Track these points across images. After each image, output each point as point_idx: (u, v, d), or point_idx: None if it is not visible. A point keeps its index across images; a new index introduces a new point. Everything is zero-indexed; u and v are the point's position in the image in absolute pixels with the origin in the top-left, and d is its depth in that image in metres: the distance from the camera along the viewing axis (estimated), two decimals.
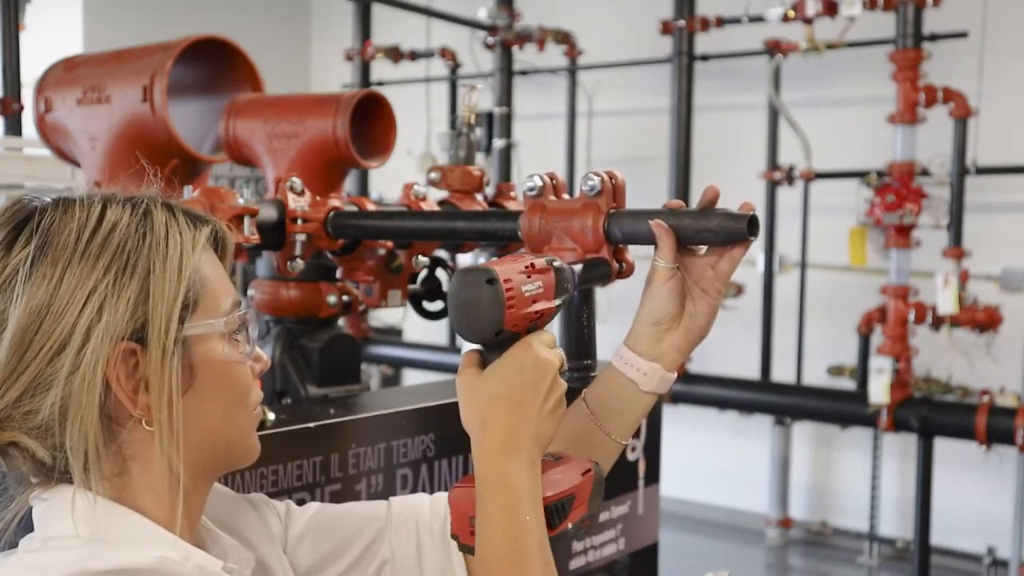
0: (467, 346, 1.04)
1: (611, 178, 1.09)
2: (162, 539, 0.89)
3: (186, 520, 0.93)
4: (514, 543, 0.96)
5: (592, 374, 1.12)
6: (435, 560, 1.13)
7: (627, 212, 1.09)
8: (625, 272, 1.11)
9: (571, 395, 1.84)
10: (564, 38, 5.86)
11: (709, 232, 1.03)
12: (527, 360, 0.99)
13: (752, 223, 1.02)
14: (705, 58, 5.41)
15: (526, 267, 0.98)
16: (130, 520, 0.89)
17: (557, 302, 1.01)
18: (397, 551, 1.12)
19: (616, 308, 5.75)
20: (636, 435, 2.00)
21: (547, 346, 1.01)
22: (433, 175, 1.70)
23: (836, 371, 5.28)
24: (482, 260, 5.27)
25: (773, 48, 5.15)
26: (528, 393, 0.99)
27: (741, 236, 1.02)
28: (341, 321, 1.87)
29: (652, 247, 1.09)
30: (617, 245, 1.10)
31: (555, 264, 1.01)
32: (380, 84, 6.32)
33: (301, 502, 1.25)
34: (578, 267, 1.07)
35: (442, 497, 1.17)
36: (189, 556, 0.89)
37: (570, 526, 1.02)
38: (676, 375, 1.14)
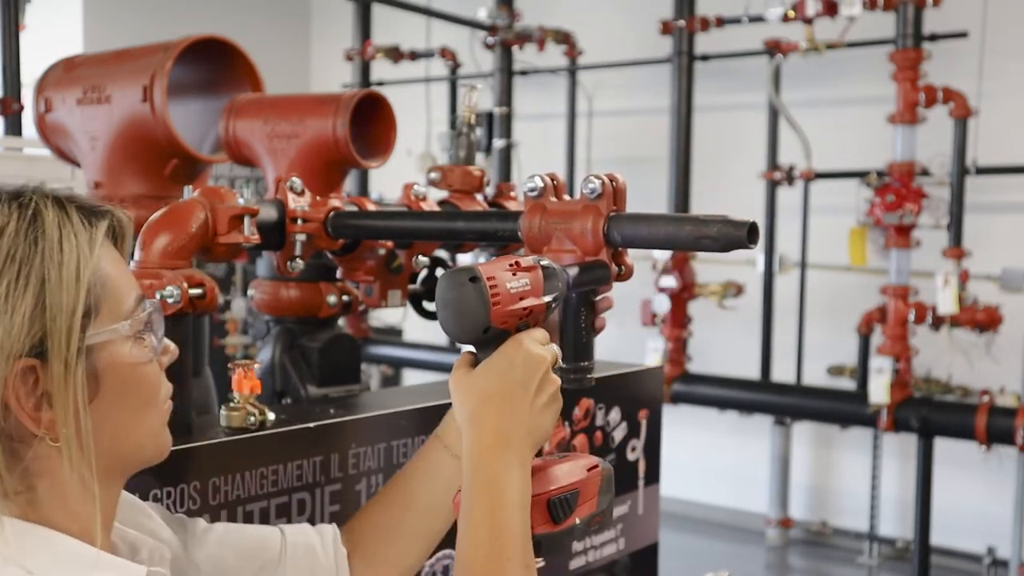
0: (466, 347, 1.05)
1: (612, 181, 1.09)
2: (81, 559, 0.85)
3: (107, 527, 0.90)
4: (495, 542, 0.95)
5: (589, 376, 1.12)
6: None
7: (627, 216, 1.09)
8: (624, 275, 1.11)
9: (569, 396, 1.84)
10: (564, 38, 5.86)
11: (708, 239, 1.03)
12: (518, 356, 0.99)
13: (752, 230, 1.02)
14: (705, 58, 5.41)
15: (511, 265, 0.99)
16: (44, 539, 0.85)
17: (548, 299, 1.01)
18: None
19: (615, 309, 5.75)
20: (636, 435, 2.00)
21: (539, 342, 1.01)
22: (433, 175, 1.70)
23: (836, 371, 5.28)
24: (482, 259, 5.28)
25: (773, 48, 5.15)
26: (519, 389, 0.98)
27: (740, 243, 1.02)
28: (341, 321, 1.87)
29: (650, 250, 1.09)
30: (616, 248, 1.09)
31: (542, 263, 1.01)
32: (380, 84, 6.32)
33: (301, 502, 1.26)
34: (574, 270, 1.06)
35: (327, 529, 1.18)
36: (111, 566, 0.85)
37: (578, 521, 1.02)
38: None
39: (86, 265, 0.85)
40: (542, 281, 1.01)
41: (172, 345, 0.97)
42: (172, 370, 1.32)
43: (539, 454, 1.04)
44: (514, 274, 0.99)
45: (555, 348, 1.04)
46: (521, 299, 0.98)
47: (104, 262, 0.88)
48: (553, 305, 1.03)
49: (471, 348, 1.03)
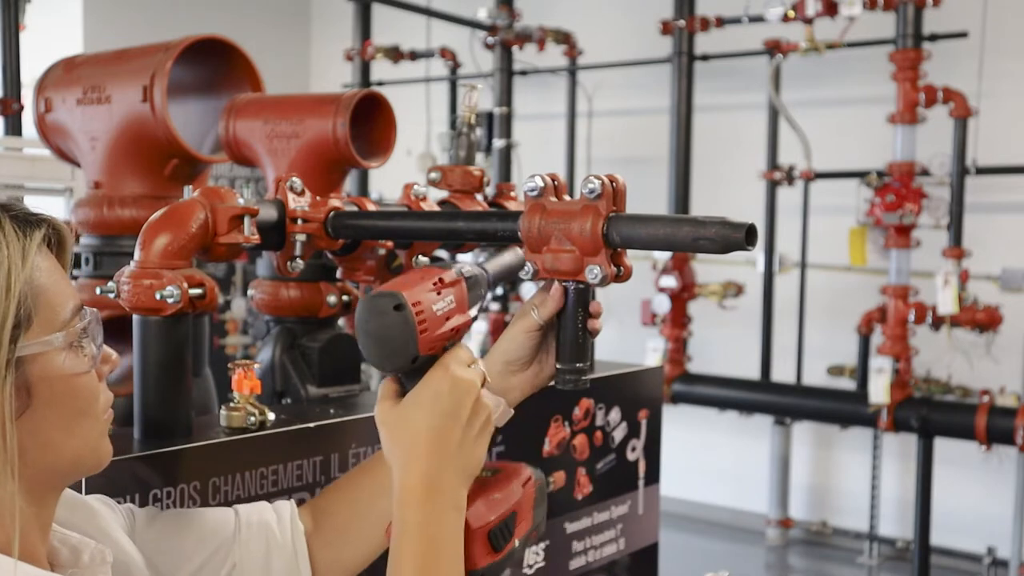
0: None
1: (612, 181, 1.09)
2: (21, 570, 0.83)
3: (39, 536, 0.89)
4: None
5: (585, 377, 1.12)
6: (282, 565, 1.13)
7: (626, 216, 1.08)
8: (623, 276, 1.10)
9: (564, 395, 1.84)
10: (564, 38, 5.86)
11: (706, 240, 1.03)
12: (444, 385, 0.96)
13: (750, 232, 1.02)
14: (705, 58, 5.41)
15: (434, 284, 0.95)
16: None
17: (473, 313, 0.99)
18: (246, 557, 1.12)
19: (614, 310, 5.77)
20: (636, 435, 2.00)
21: (465, 364, 0.98)
22: (433, 175, 1.70)
23: (836, 371, 5.28)
24: (482, 259, 5.27)
25: (773, 48, 5.15)
26: (449, 422, 0.95)
27: (739, 245, 1.02)
28: (341, 321, 1.87)
29: (650, 251, 1.09)
30: (615, 249, 1.09)
31: (464, 273, 0.99)
32: (380, 84, 6.33)
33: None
34: (492, 266, 1.04)
35: (284, 505, 1.17)
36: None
37: (516, 543, 1.00)
38: (513, 411, 1.14)
39: (17, 277, 0.84)
40: (466, 294, 0.98)
41: (113, 354, 0.96)
42: (172, 370, 1.33)
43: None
44: (439, 293, 0.95)
45: (482, 367, 1.00)
46: (447, 319, 0.95)
47: (39, 273, 0.87)
48: (476, 317, 1.00)
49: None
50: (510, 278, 1.08)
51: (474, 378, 0.98)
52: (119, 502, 1.13)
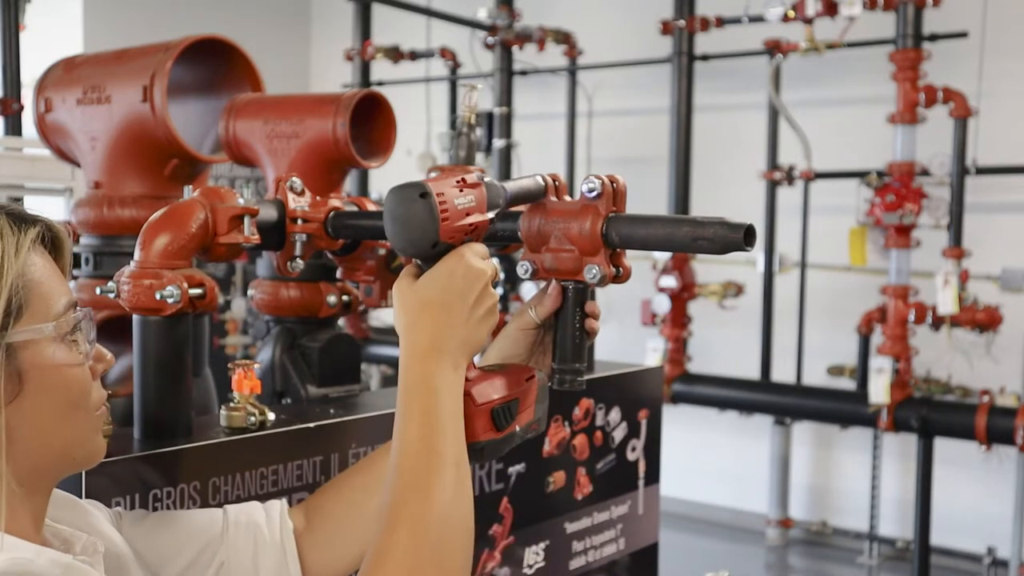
0: None
1: (612, 182, 1.09)
2: (6, 541, 0.86)
3: (31, 524, 0.92)
4: (427, 440, 0.97)
5: (581, 378, 1.12)
6: (271, 564, 1.14)
7: (625, 216, 1.09)
8: (622, 277, 1.10)
9: (564, 395, 1.84)
10: (564, 38, 5.86)
11: (705, 240, 1.03)
12: (459, 268, 1.01)
13: (748, 233, 1.02)
14: (705, 58, 5.41)
15: (458, 182, 1.01)
16: None
17: (491, 215, 1.04)
18: (233, 556, 1.13)
19: (615, 310, 5.77)
20: (636, 435, 2.00)
21: (480, 257, 1.03)
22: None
23: (836, 371, 5.28)
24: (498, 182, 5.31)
25: (773, 48, 5.15)
26: (457, 300, 1.01)
27: (737, 245, 1.02)
28: (341, 321, 1.87)
29: (649, 251, 1.09)
30: (615, 249, 1.09)
31: (485, 180, 1.04)
32: (380, 84, 6.33)
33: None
34: (512, 186, 1.09)
35: (275, 504, 1.19)
36: (40, 552, 0.87)
37: (518, 429, 1.06)
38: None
39: (9, 267, 0.88)
40: (486, 197, 1.04)
41: (108, 354, 0.99)
42: (172, 370, 1.33)
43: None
44: (461, 190, 1.01)
45: (496, 263, 1.06)
46: (468, 215, 1.01)
47: (32, 267, 0.91)
48: (494, 221, 1.06)
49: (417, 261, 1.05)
50: (526, 201, 1.11)
51: (486, 268, 1.03)
52: (113, 505, 1.14)
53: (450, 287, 1.01)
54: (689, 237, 1.04)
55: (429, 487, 0.95)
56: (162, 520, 1.13)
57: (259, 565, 1.14)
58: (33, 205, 0.99)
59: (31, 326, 0.90)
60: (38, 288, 0.91)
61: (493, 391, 1.04)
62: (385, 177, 5.55)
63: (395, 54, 6.10)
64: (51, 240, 0.96)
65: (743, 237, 1.01)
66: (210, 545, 1.13)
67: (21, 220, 0.92)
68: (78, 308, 0.95)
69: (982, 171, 4.71)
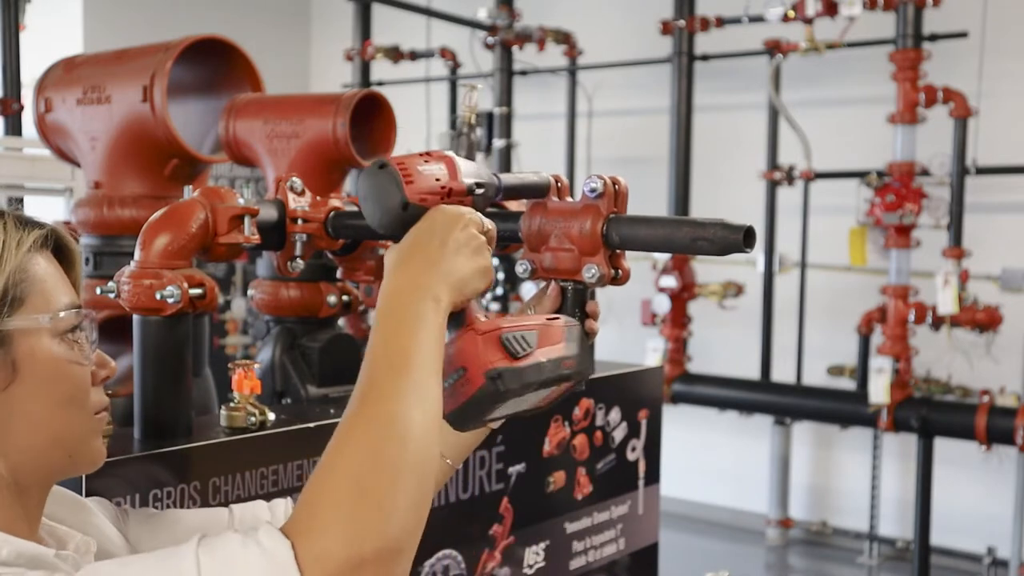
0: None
1: (615, 183, 1.09)
2: None
3: (23, 520, 0.92)
4: (395, 354, 0.90)
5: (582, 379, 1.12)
6: None
7: (625, 217, 1.09)
8: (620, 279, 1.10)
9: (568, 396, 1.84)
10: (564, 38, 5.86)
11: (705, 241, 1.03)
12: (436, 215, 1.00)
13: (748, 234, 1.02)
14: (705, 58, 5.41)
15: (422, 154, 1.02)
16: None
17: (468, 182, 1.03)
18: None
19: (615, 310, 5.77)
20: (636, 435, 2.00)
21: (460, 208, 1.01)
22: None
23: (836, 371, 5.28)
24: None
25: (773, 48, 5.15)
26: (433, 239, 0.98)
27: (737, 247, 1.02)
28: (341, 321, 1.87)
29: (648, 252, 1.09)
30: (615, 250, 1.09)
31: (456, 155, 1.04)
32: (380, 84, 6.32)
33: None
34: (510, 179, 1.08)
35: (279, 502, 1.18)
36: (7, 542, 0.86)
37: (544, 360, 1.00)
38: None
39: (9, 258, 0.90)
40: (458, 168, 1.03)
41: (111, 362, 0.99)
42: (172, 370, 1.33)
43: None
44: (426, 161, 1.02)
45: (486, 220, 1.03)
46: (437, 179, 1.01)
47: (35, 265, 0.92)
48: (478, 191, 1.04)
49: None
50: (526, 194, 1.11)
51: (464, 211, 1.00)
52: (116, 504, 1.14)
53: (427, 230, 0.99)
54: (689, 238, 1.04)
55: (392, 392, 0.88)
56: (168, 519, 1.13)
57: None
58: (33, 205, 1.00)
59: (28, 316, 0.90)
60: (40, 285, 0.92)
61: (500, 321, 1.01)
62: None
63: (395, 54, 6.10)
64: (61, 250, 0.98)
65: (743, 238, 1.01)
66: None
67: (27, 223, 0.94)
68: (81, 309, 0.95)
69: (982, 171, 4.71)
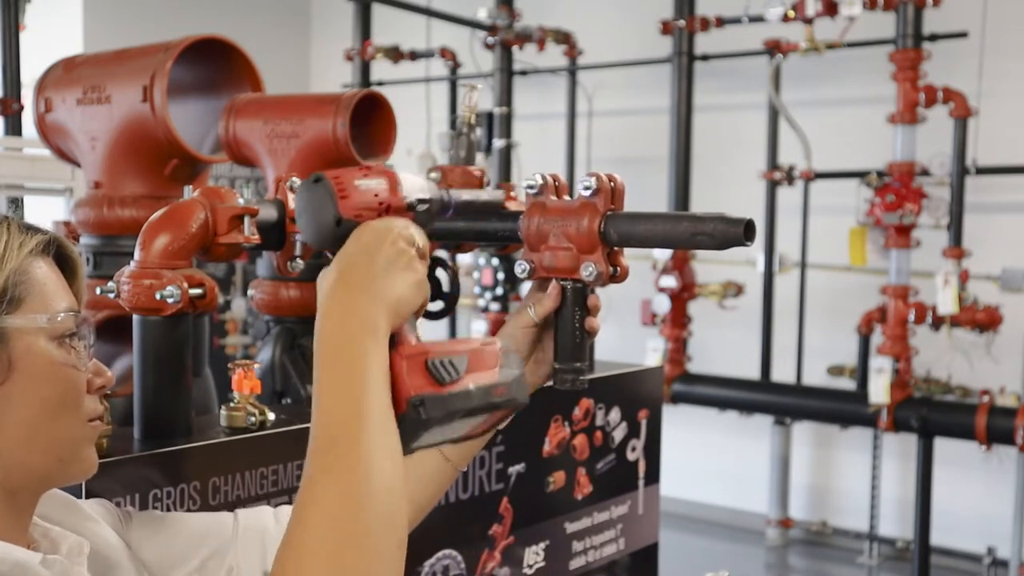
0: None
1: (610, 180, 1.09)
2: None
3: (12, 522, 0.92)
4: (348, 401, 0.88)
5: (583, 377, 1.11)
6: None
7: (623, 214, 1.08)
8: (619, 276, 1.10)
9: (564, 395, 1.84)
10: (564, 38, 5.86)
11: (705, 236, 1.03)
12: (363, 232, 0.96)
13: (748, 227, 1.02)
14: (705, 58, 5.41)
15: (360, 168, 1.00)
16: None
17: (409, 199, 1.01)
18: (243, 561, 1.13)
19: (614, 309, 5.76)
20: (636, 435, 2.00)
21: (392, 222, 0.97)
22: (433, 175, 1.69)
23: (836, 371, 5.28)
24: (482, 260, 5.20)
25: (773, 48, 5.15)
26: (360, 256, 0.94)
27: (737, 240, 1.02)
28: None
29: (648, 249, 1.09)
30: (613, 247, 1.09)
31: (398, 171, 1.02)
32: (380, 84, 6.32)
33: None
34: (466, 195, 1.07)
35: (284, 509, 1.18)
36: None
37: (472, 387, 0.95)
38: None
39: (10, 256, 0.91)
40: (398, 182, 1.01)
41: (108, 372, 0.99)
42: (172, 370, 1.33)
43: None
44: (364, 175, 0.99)
45: (412, 225, 0.99)
46: (375, 195, 0.99)
47: (35, 268, 0.94)
48: (420, 207, 1.01)
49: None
50: (479, 214, 1.09)
51: (392, 224, 0.97)
52: (117, 504, 1.14)
53: (355, 251, 0.95)
54: (688, 233, 1.04)
55: (355, 446, 0.85)
56: (173, 523, 1.13)
57: (268, 568, 1.14)
58: (33, 205, 1.01)
59: (26, 315, 0.91)
60: (39, 287, 0.93)
61: (428, 346, 0.95)
62: None
63: (395, 54, 6.10)
64: (65, 261, 0.99)
65: (743, 232, 1.01)
66: (220, 549, 1.13)
67: (29, 229, 0.95)
68: (80, 314, 0.96)
69: (982, 171, 4.71)
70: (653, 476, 2.06)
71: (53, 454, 0.94)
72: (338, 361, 0.89)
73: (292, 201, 1.42)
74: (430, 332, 0.96)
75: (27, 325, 0.91)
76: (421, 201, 1.02)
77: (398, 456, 0.88)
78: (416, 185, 1.03)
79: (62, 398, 0.93)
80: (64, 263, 0.99)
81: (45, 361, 0.92)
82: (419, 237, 0.99)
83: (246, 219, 1.34)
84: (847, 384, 5.20)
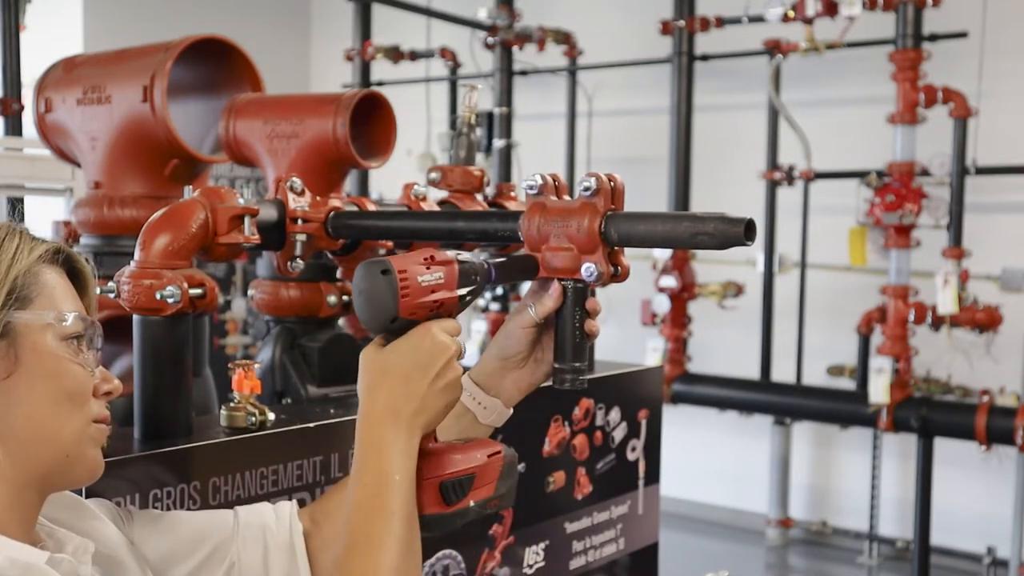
0: None
1: (610, 180, 1.09)
2: None
3: (17, 522, 0.93)
4: (376, 499, 0.99)
5: (583, 377, 1.12)
6: (281, 564, 1.16)
7: (624, 214, 1.08)
8: (620, 276, 1.10)
9: (564, 395, 1.84)
10: (564, 38, 5.86)
11: (705, 235, 1.03)
12: (424, 342, 1.02)
13: (749, 227, 1.02)
14: (705, 58, 5.41)
15: (425, 259, 1.02)
16: None
17: (462, 292, 1.04)
18: (244, 557, 1.14)
19: (614, 309, 5.76)
20: (636, 435, 2.00)
21: (448, 332, 1.04)
22: (433, 175, 1.70)
23: (836, 371, 5.28)
24: (482, 259, 5.26)
25: (773, 48, 5.15)
26: (417, 371, 1.02)
27: (738, 240, 1.02)
28: (341, 321, 1.87)
29: (648, 249, 1.09)
30: (614, 247, 1.09)
31: (459, 258, 1.04)
32: (380, 84, 6.32)
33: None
34: (498, 263, 1.08)
35: (284, 505, 1.20)
36: (4, 547, 0.87)
37: (472, 504, 1.05)
38: (512, 411, 1.19)
39: (20, 258, 0.94)
40: (457, 275, 1.04)
41: (116, 380, 1.01)
42: (172, 370, 1.33)
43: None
44: (428, 268, 1.02)
45: (461, 342, 1.07)
46: (433, 292, 1.02)
47: (45, 275, 0.96)
48: (468, 298, 1.06)
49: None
50: (516, 280, 1.11)
51: (451, 343, 1.04)
52: (117, 504, 1.14)
53: (412, 358, 1.02)
54: (689, 233, 1.04)
55: (380, 544, 0.97)
56: (173, 521, 1.13)
57: (269, 565, 1.15)
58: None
59: (35, 312, 0.93)
60: (50, 291, 0.95)
61: (445, 465, 1.04)
62: (385, 177, 5.54)
63: (395, 54, 6.10)
64: (76, 275, 1.01)
65: (743, 231, 1.01)
66: (221, 546, 1.14)
67: (38, 239, 0.98)
68: (88, 319, 0.98)
69: (982, 171, 4.71)
70: (653, 476, 2.06)
71: (59, 449, 0.95)
72: (374, 455, 1.01)
73: (292, 201, 1.42)
74: None
75: (34, 321, 0.93)
76: (471, 292, 1.06)
77: (417, 553, 1.00)
78: (468, 269, 1.05)
79: (68, 394, 0.95)
80: (75, 276, 1.01)
81: (51, 356, 0.94)
82: (462, 347, 1.07)
83: (246, 219, 1.34)
84: (847, 384, 5.20)
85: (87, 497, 1.11)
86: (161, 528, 1.12)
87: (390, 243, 1.57)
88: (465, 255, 1.06)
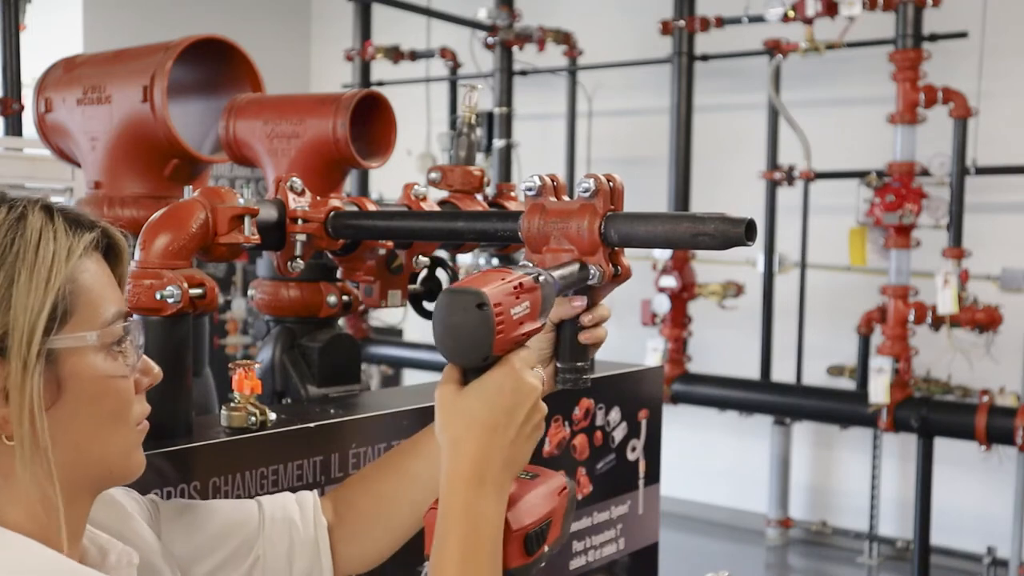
0: None
1: (609, 180, 1.09)
2: (41, 561, 0.84)
3: (68, 533, 0.89)
4: (465, 564, 0.94)
5: (585, 377, 1.12)
6: (305, 560, 1.15)
7: (623, 214, 1.08)
8: (621, 276, 1.10)
9: (564, 395, 1.84)
10: (564, 38, 5.86)
11: (706, 236, 1.03)
12: (508, 383, 0.96)
13: (749, 227, 1.02)
14: (705, 58, 5.41)
15: (515, 288, 0.94)
16: (3, 540, 0.85)
17: (542, 321, 0.99)
18: (269, 551, 1.14)
19: (615, 310, 5.76)
20: (636, 435, 2.00)
21: (529, 367, 0.99)
22: (433, 175, 1.70)
23: (836, 371, 5.28)
24: (482, 260, 5.22)
25: (773, 48, 5.15)
26: (503, 417, 0.96)
27: (738, 240, 1.02)
28: (341, 321, 1.87)
29: (650, 250, 1.09)
30: (613, 247, 1.09)
31: (541, 279, 0.98)
32: (380, 84, 6.32)
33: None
34: (559, 272, 1.04)
35: (307, 497, 1.18)
36: (49, 562, 0.84)
37: (546, 549, 1.01)
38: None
39: (59, 271, 0.86)
40: (540, 302, 0.98)
41: (156, 368, 0.97)
42: (172, 370, 1.33)
43: None
44: (517, 297, 0.94)
45: (542, 373, 1.02)
46: (521, 324, 0.96)
47: (84, 272, 0.89)
48: (543, 325, 1.01)
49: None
50: (576, 287, 1.07)
51: (536, 383, 0.99)
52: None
53: (498, 403, 0.96)
54: (689, 233, 1.04)
55: None
56: (200, 515, 1.13)
57: (293, 560, 1.15)
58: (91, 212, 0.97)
59: (75, 333, 0.87)
60: (87, 295, 0.89)
61: (529, 514, 0.99)
62: (385, 177, 5.54)
63: (395, 54, 6.10)
64: (111, 248, 0.95)
65: (744, 231, 1.01)
66: (247, 541, 1.14)
67: (77, 224, 0.90)
68: (128, 318, 0.93)
69: (982, 171, 4.71)
70: (653, 476, 2.06)
71: (104, 466, 0.92)
72: (459, 525, 0.95)
73: (292, 201, 1.42)
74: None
75: (76, 345, 0.88)
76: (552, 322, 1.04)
77: None
78: (548, 301, 1.00)
79: (112, 413, 0.91)
80: (109, 251, 0.95)
81: (94, 379, 0.89)
82: (544, 380, 1.03)
83: (246, 219, 1.34)
84: (847, 384, 5.20)
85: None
86: (188, 523, 1.11)
87: (390, 243, 1.57)
88: (543, 274, 0.99)
